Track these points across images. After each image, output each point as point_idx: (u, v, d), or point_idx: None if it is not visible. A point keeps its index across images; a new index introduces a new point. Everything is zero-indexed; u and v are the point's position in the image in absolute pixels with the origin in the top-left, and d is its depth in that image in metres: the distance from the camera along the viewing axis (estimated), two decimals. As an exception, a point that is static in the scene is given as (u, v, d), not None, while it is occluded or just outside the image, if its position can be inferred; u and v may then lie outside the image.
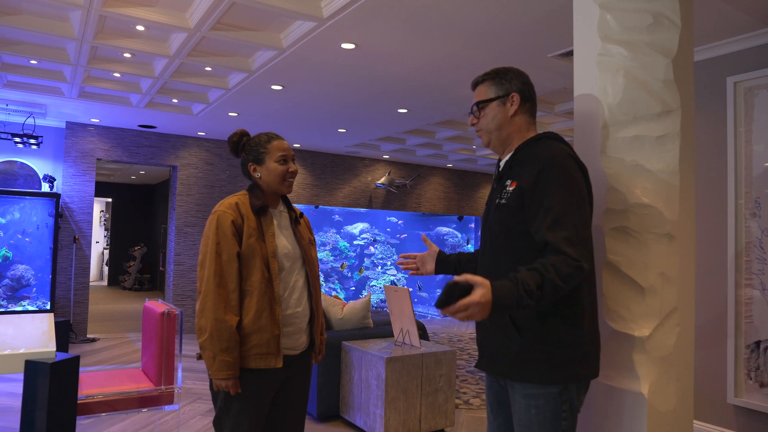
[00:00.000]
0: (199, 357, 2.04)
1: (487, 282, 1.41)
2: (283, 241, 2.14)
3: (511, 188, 1.66)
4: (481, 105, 1.77)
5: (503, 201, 1.68)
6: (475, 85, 1.82)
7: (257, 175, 2.16)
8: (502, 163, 1.79)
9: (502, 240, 1.69)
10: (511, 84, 1.74)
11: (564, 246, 1.49)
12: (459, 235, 11.23)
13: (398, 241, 10.65)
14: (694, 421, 3.64)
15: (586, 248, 1.53)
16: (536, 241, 1.56)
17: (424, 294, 10.90)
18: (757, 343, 3.39)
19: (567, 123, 6.42)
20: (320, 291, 2.30)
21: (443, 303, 1.40)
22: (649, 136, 1.91)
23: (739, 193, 3.52)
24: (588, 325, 1.65)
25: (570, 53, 3.99)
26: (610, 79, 1.97)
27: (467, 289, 1.42)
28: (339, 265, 10.08)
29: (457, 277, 1.42)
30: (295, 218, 2.26)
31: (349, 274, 10.16)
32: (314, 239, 2.36)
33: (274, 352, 2.04)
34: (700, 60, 3.76)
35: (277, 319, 2.05)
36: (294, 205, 2.34)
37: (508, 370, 1.67)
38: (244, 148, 2.20)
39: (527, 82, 1.77)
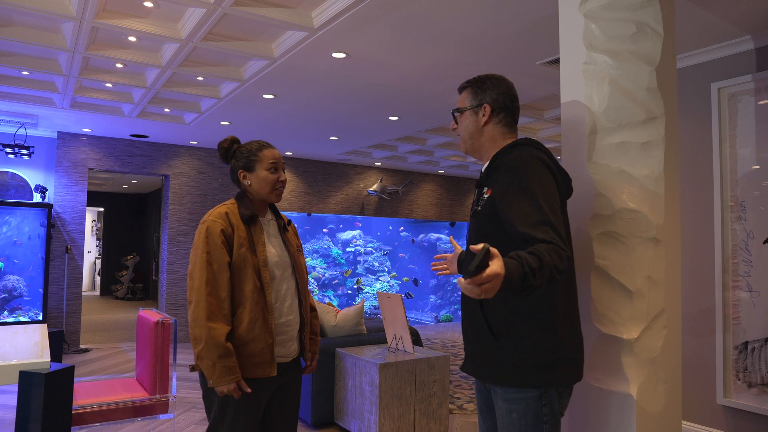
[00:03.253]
0: (192, 369, 2.02)
1: (500, 255, 1.31)
2: (273, 250, 2.15)
3: (486, 195, 1.69)
4: (457, 112, 1.85)
5: (479, 208, 1.72)
6: (460, 90, 1.88)
7: (247, 182, 2.17)
8: (482, 170, 1.83)
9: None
10: (485, 95, 1.78)
11: (550, 238, 1.46)
12: (452, 240, 11.25)
13: (391, 248, 10.66)
14: (685, 422, 3.68)
15: (560, 237, 1.50)
16: (517, 241, 1.51)
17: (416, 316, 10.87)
18: (745, 344, 3.44)
19: (556, 129, 6.48)
20: (309, 298, 2.31)
21: (479, 269, 1.24)
22: (635, 142, 1.96)
23: (725, 196, 3.58)
24: (563, 329, 1.65)
25: (557, 60, 4.04)
26: (595, 87, 2.02)
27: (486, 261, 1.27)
28: (343, 272, 10.05)
29: (489, 246, 1.28)
30: (284, 226, 2.27)
31: (346, 285, 10.14)
32: (301, 246, 2.37)
33: (268, 361, 2.05)
34: (685, 67, 3.83)
35: (270, 328, 2.06)
36: (283, 213, 2.36)
37: (486, 373, 1.70)
38: (235, 155, 2.20)
39: (505, 92, 1.79)
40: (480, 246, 1.26)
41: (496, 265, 1.26)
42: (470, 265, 1.25)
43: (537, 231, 1.48)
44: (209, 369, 1.95)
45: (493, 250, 1.28)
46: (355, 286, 10.15)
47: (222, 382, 1.95)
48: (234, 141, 2.22)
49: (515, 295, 1.37)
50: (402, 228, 10.60)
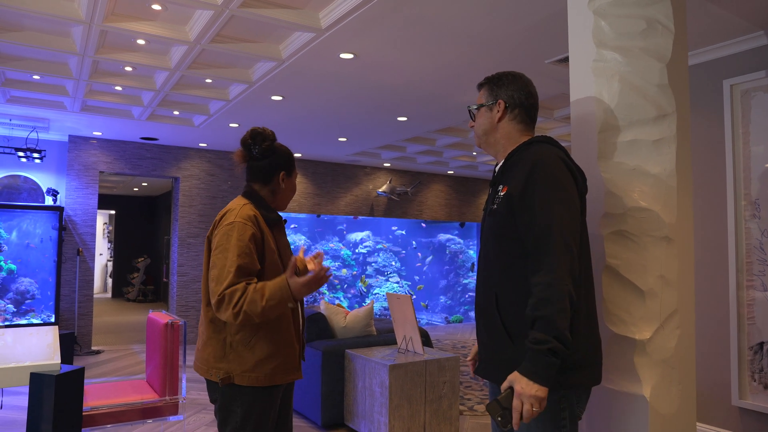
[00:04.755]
0: (223, 382, 1.91)
1: (513, 372, 1.50)
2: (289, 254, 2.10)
3: (502, 193, 1.67)
4: (474, 109, 1.85)
5: (495, 206, 1.70)
6: (479, 88, 1.88)
7: (283, 185, 2.07)
8: (497, 168, 1.81)
9: (493, 244, 1.70)
10: (500, 91, 1.78)
11: (541, 266, 1.52)
12: (461, 241, 11.23)
13: (401, 249, 10.63)
14: (699, 424, 3.63)
15: (568, 254, 1.52)
16: (525, 240, 1.60)
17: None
18: (761, 345, 3.39)
19: (566, 128, 6.43)
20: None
21: (509, 420, 1.47)
22: (646, 140, 1.93)
23: (739, 194, 3.53)
24: (583, 331, 1.61)
25: (567, 59, 4.01)
26: (605, 84, 1.99)
27: (509, 393, 1.48)
28: (359, 279, 10.06)
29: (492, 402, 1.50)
30: (283, 226, 2.21)
31: (356, 286, 10.13)
32: None
33: (297, 366, 2.02)
34: (696, 63, 3.79)
35: (299, 333, 2.02)
36: (290, 215, 2.32)
37: (503, 376, 1.65)
38: (276, 152, 2.07)
39: (521, 88, 1.77)
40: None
41: (517, 387, 1.47)
42: (499, 424, 1.48)
43: (545, 245, 1.54)
44: (278, 306, 1.83)
45: (505, 384, 1.51)
46: (359, 284, 10.14)
47: (294, 291, 1.83)
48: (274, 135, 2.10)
49: (568, 350, 1.49)
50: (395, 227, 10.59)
